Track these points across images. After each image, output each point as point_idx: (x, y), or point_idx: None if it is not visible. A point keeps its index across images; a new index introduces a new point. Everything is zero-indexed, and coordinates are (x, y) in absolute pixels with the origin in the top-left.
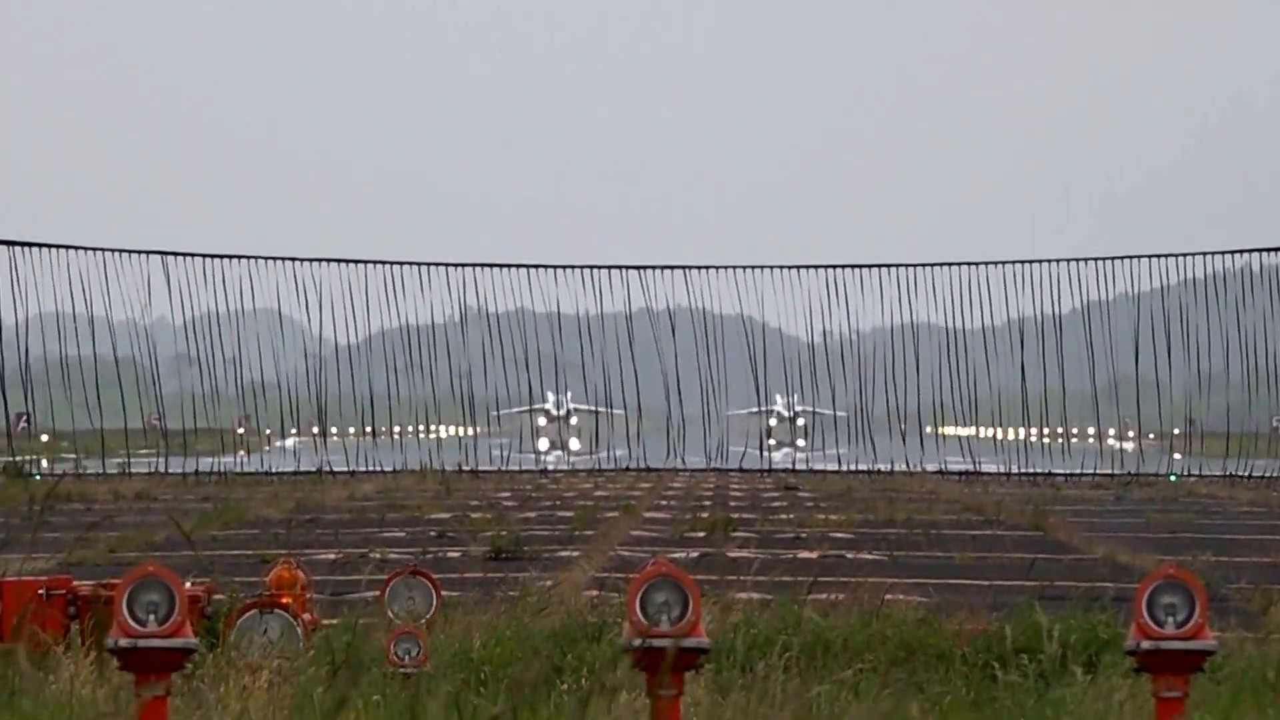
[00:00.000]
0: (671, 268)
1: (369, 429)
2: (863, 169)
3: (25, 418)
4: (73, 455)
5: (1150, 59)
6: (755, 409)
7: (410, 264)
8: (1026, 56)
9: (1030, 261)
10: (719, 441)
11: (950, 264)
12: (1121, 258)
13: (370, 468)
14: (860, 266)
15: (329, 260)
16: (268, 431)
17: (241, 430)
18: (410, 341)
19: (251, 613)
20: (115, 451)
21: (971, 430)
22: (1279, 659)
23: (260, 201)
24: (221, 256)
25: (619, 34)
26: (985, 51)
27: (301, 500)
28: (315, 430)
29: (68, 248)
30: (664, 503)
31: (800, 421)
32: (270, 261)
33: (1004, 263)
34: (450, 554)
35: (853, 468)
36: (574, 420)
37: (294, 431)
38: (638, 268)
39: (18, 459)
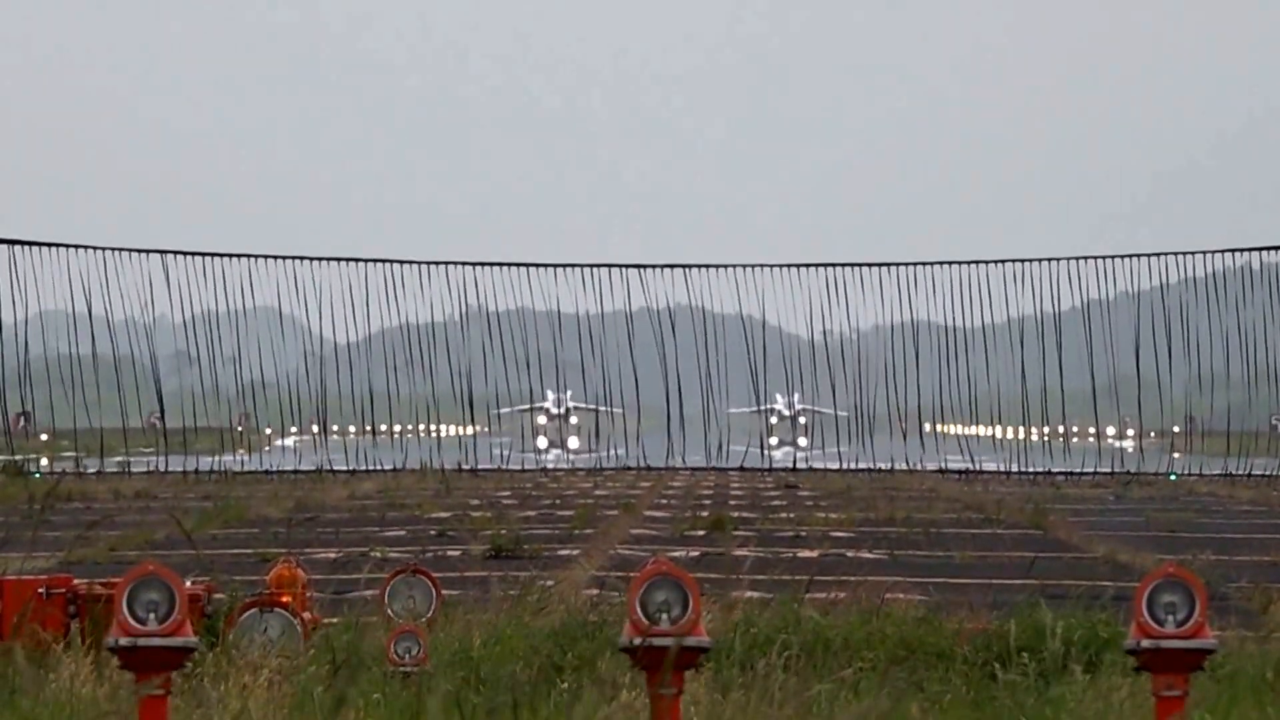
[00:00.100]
0: (671, 266)
1: (369, 428)
2: (863, 168)
3: (25, 416)
4: (73, 454)
5: (1149, 59)
6: (755, 408)
7: (410, 263)
8: (1026, 56)
9: (1030, 260)
10: (719, 440)
11: (950, 263)
12: (1121, 256)
13: (370, 466)
14: (860, 265)
15: (329, 259)
16: (268, 430)
17: (241, 429)
18: (410, 340)
19: (251, 611)
20: (115, 450)
21: (971, 429)
22: (1279, 658)
23: (260, 200)
24: (221, 255)
25: (619, 31)
26: (985, 51)
27: (301, 499)
28: (315, 429)
29: (68, 246)
30: (664, 501)
31: (801, 420)
32: (270, 260)
33: (1004, 261)
34: (450, 553)
35: (853, 466)
36: (574, 419)
37: (294, 430)
38: (638, 266)
39: (18, 458)
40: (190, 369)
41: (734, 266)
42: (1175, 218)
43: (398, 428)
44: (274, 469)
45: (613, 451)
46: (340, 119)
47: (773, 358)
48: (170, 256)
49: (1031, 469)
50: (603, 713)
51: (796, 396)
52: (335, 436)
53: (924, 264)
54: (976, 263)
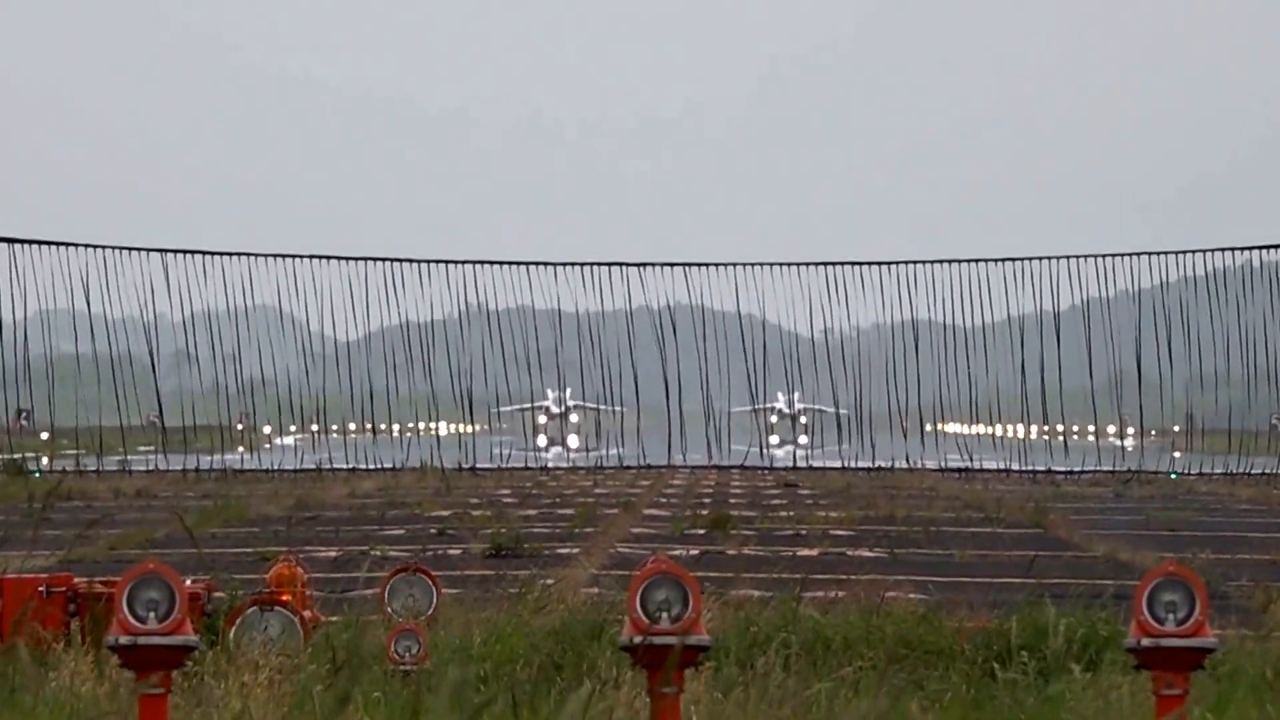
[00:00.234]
0: (672, 265)
1: (369, 426)
2: (863, 167)
3: (25, 415)
4: (73, 452)
5: (1150, 59)
6: (756, 406)
7: (410, 261)
8: (1026, 55)
9: (1030, 258)
10: (719, 439)
11: (950, 261)
12: (1121, 254)
13: (370, 465)
14: (860, 264)
15: (329, 257)
16: (267, 429)
17: (241, 427)
18: (410, 339)
19: (251, 610)
20: (115, 449)
21: (971, 427)
22: (1279, 657)
23: (260, 199)
24: (221, 254)
25: (618, 30)
26: (984, 51)
27: (301, 498)
28: (315, 428)
29: (67, 245)
30: (664, 500)
31: (802, 419)
32: (270, 259)
33: (1004, 260)
34: (450, 551)
35: (853, 465)
36: (574, 418)
37: (294, 429)
38: (638, 265)
39: (18, 456)
40: (190, 368)
41: (734, 265)
42: (1176, 217)
43: (398, 426)
44: (274, 468)
45: (613, 450)
46: (339, 118)
47: (773, 356)
48: (170, 255)
49: (1031, 467)
50: (602, 710)
51: (797, 395)
52: (335, 435)
53: (924, 262)
54: (976, 261)
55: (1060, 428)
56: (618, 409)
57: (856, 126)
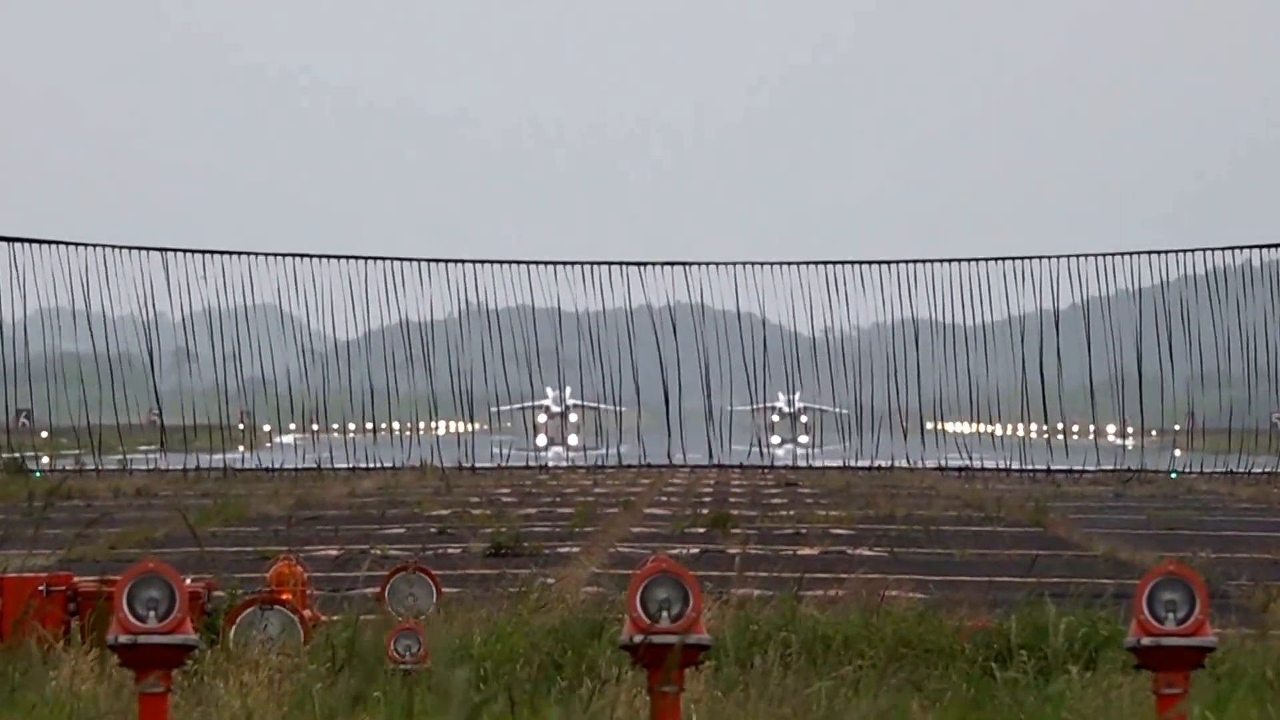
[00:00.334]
0: (671, 264)
1: (369, 425)
2: (863, 166)
3: (25, 414)
4: (73, 451)
5: (1151, 60)
6: (757, 405)
7: (410, 260)
8: (1026, 56)
9: (1030, 258)
10: (719, 438)
11: (950, 260)
12: (1121, 254)
13: (370, 464)
14: (860, 263)
15: (329, 256)
16: (267, 428)
17: (242, 426)
18: (410, 338)
19: (251, 609)
20: (115, 448)
21: (971, 426)
22: (1279, 656)
23: (260, 200)
24: (221, 253)
25: (619, 31)
26: (985, 50)
27: (302, 497)
28: (315, 427)
29: (67, 244)
30: (664, 499)
31: (803, 418)
32: (270, 258)
33: (1003, 259)
34: (450, 550)
35: (853, 464)
36: (574, 417)
37: (293, 428)
38: (638, 264)
39: (18, 455)
40: (190, 366)
41: (734, 264)
42: (1177, 218)
43: (398, 425)
44: (274, 467)
45: (612, 449)
46: (339, 116)
47: (773, 355)
48: (170, 254)
49: (1031, 467)
50: (602, 709)
51: (797, 394)
52: (335, 434)
53: (924, 261)
54: (976, 260)
55: (1060, 427)
56: (618, 408)
57: (856, 126)
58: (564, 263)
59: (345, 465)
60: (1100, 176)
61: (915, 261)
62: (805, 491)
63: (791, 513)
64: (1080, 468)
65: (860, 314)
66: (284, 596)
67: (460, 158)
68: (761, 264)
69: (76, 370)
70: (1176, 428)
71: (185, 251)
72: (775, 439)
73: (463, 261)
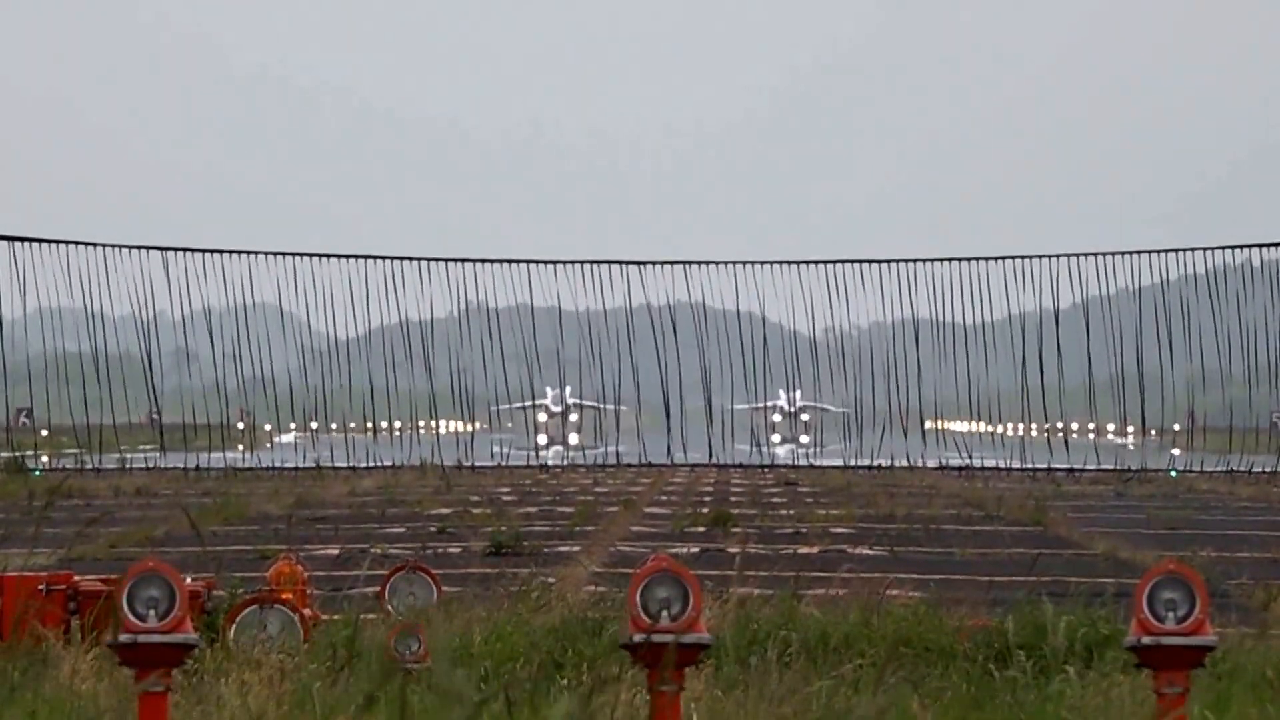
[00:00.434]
0: (671, 263)
1: (369, 424)
2: (864, 166)
3: (26, 413)
4: (73, 450)
5: (1152, 59)
6: (757, 404)
7: (410, 259)
8: (1027, 56)
9: (1030, 257)
10: (720, 437)
11: (950, 259)
12: (1121, 253)
13: (371, 463)
14: (860, 261)
15: (329, 255)
16: (267, 427)
17: (242, 425)
18: (410, 337)
19: (251, 608)
20: (115, 447)
21: (971, 425)
22: (1279, 655)
23: (259, 197)
24: (221, 251)
25: (619, 31)
26: (986, 51)
27: (302, 496)
28: (315, 426)
29: (68, 243)
30: (664, 498)
31: (804, 417)
32: (270, 256)
33: (1004, 258)
34: (450, 549)
35: (853, 463)
36: (574, 416)
37: (293, 427)
38: (638, 263)
39: (18, 454)
40: (190, 366)
41: (734, 263)
42: (1178, 218)
43: (398, 424)
44: (274, 466)
45: (613, 448)
46: (338, 115)
47: (774, 354)
48: (170, 253)
49: (1031, 465)
50: (602, 707)
51: (797, 393)
52: (335, 433)
53: (924, 261)
54: (976, 259)
55: (1060, 426)
56: (618, 407)
57: (856, 127)
58: (564, 262)
59: (345, 464)
60: (1101, 176)
61: (915, 261)
62: (805, 490)
63: (791, 512)
64: (1080, 467)
65: (860, 313)
66: (284, 596)
67: (460, 158)
68: (761, 263)
69: (76, 370)
70: (1176, 427)
71: (185, 251)
72: (776, 438)
73: (463, 261)
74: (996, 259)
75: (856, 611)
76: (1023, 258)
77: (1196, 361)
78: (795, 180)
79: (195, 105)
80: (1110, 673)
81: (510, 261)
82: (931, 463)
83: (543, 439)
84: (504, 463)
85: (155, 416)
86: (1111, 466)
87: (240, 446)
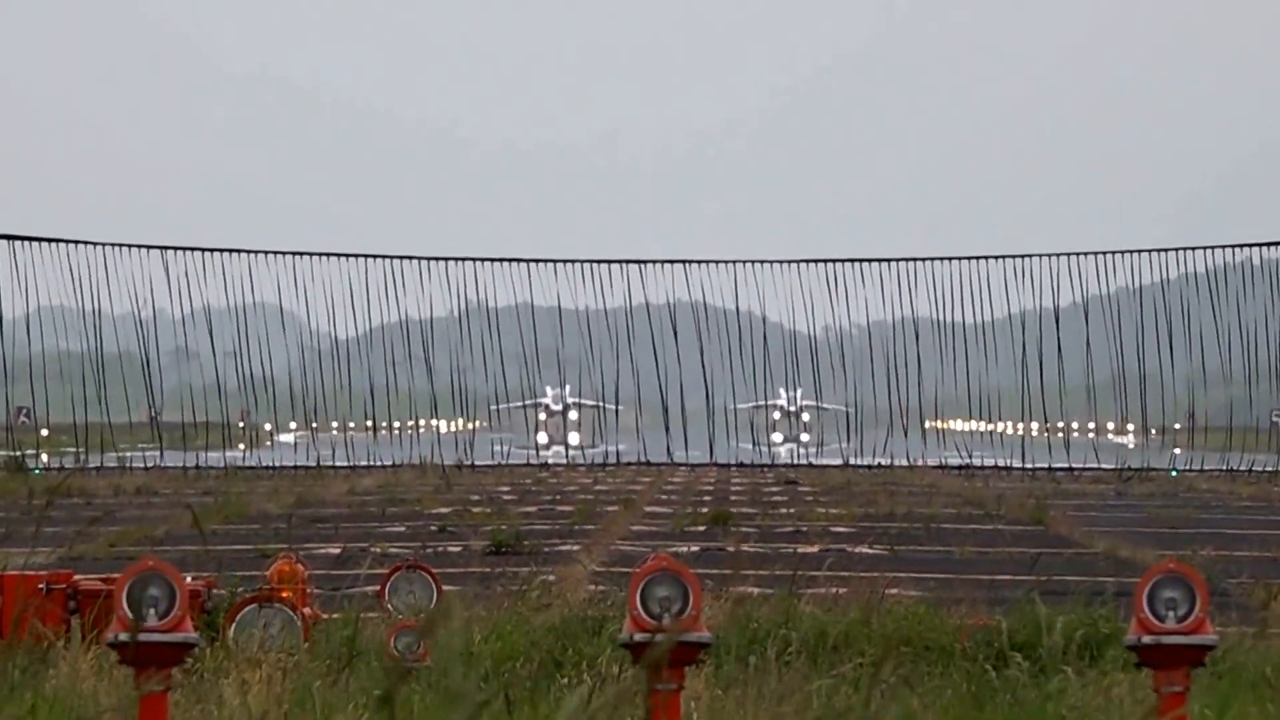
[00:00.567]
0: (672, 262)
1: (369, 423)
2: (864, 166)
3: (25, 412)
4: (72, 449)
5: (1154, 59)
6: (758, 403)
7: (410, 258)
8: (1028, 56)
9: (1030, 255)
10: (720, 436)
11: (950, 258)
12: (1121, 252)
13: (371, 462)
14: (860, 260)
15: (329, 254)
16: (267, 426)
17: (242, 424)
18: (410, 336)
19: (251, 607)
20: (115, 446)
21: (972, 424)
22: None
23: (259, 196)
24: (221, 250)
25: (618, 26)
26: (986, 51)
27: (302, 495)
28: (315, 425)
29: (68, 241)
30: (664, 497)
31: (805, 416)
32: (270, 255)
33: (1004, 257)
34: (451, 548)
35: (853, 462)
36: (574, 415)
37: (294, 426)
38: (638, 262)
39: (17, 453)
40: (190, 365)
41: (734, 262)
42: (1179, 218)
43: (398, 423)
44: (274, 465)
45: (613, 447)
46: (338, 114)
47: (774, 353)
48: (170, 252)
49: (1032, 464)
50: (602, 707)
51: (798, 392)
52: (335, 432)
53: (924, 259)
54: (976, 258)
55: (1060, 425)
56: (617, 406)
57: (857, 126)
58: (564, 261)
59: (345, 463)
60: (1101, 176)
61: (915, 260)
62: (805, 489)
63: (791, 511)
64: (1080, 466)
65: (860, 312)
66: (284, 595)
67: (461, 157)
68: (761, 262)
69: (76, 368)
70: (1177, 426)
71: (185, 250)
72: (776, 436)
73: (463, 260)
74: (996, 258)
75: (856, 610)
76: (1023, 257)
77: (1197, 360)
78: (795, 180)
79: (195, 105)
80: (1110, 671)
81: (510, 261)
82: (931, 462)
83: (543, 438)
84: (504, 462)
85: (155, 415)
86: (1112, 465)
87: (240, 445)
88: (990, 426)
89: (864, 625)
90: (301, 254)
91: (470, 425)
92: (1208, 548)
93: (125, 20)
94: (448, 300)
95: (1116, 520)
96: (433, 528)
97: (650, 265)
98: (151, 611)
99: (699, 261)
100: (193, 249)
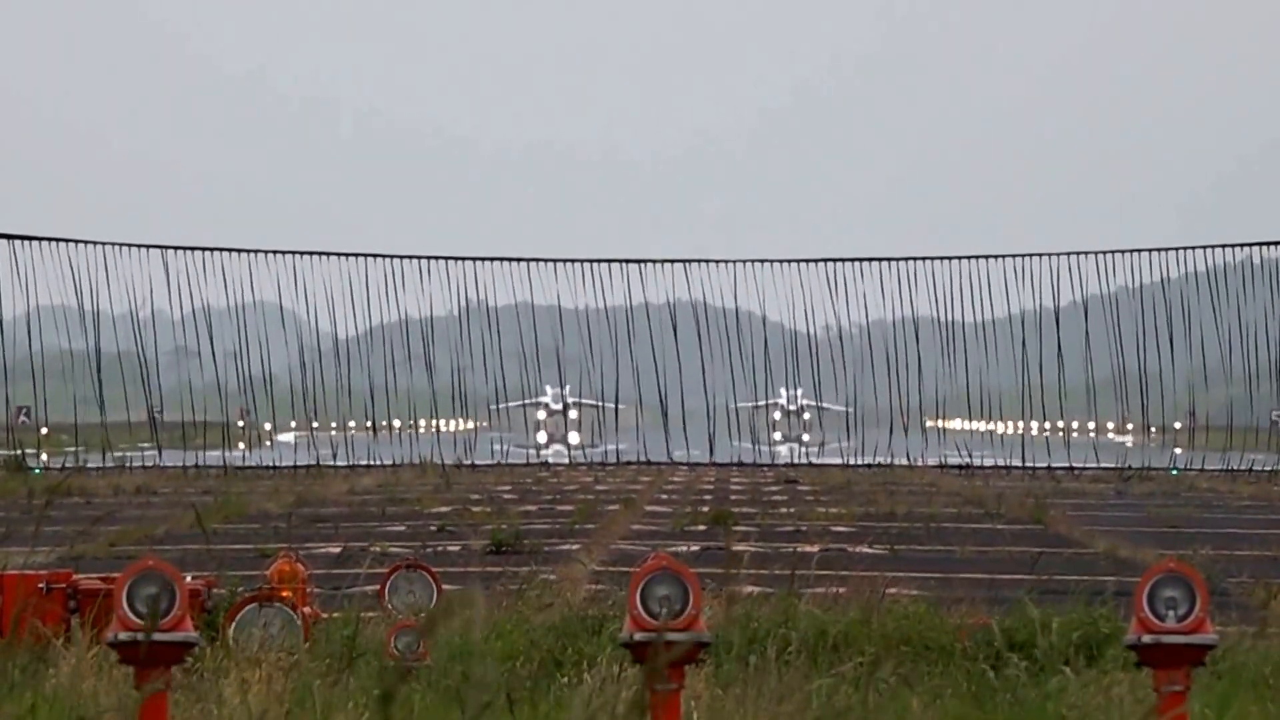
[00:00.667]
0: (672, 261)
1: (369, 423)
2: (864, 166)
3: (25, 411)
4: (72, 449)
5: (1155, 59)
6: (758, 403)
7: (410, 258)
8: (1028, 56)
9: (1030, 255)
10: (720, 435)
11: (950, 258)
12: (1121, 251)
13: (370, 461)
14: (860, 260)
15: (328, 254)
16: (267, 425)
17: (242, 424)
18: (410, 335)
19: (251, 606)
20: (115, 445)
21: (971, 424)
22: None
23: (260, 196)
24: (221, 250)
25: (619, 27)
26: (987, 51)
27: (302, 494)
28: (315, 424)
29: (68, 241)
30: (664, 497)
31: (805, 416)
32: (269, 255)
33: (1004, 256)
34: (450, 548)
35: (853, 461)
36: (574, 414)
37: (293, 425)
38: (638, 261)
39: (17, 452)
40: (189, 364)
41: (735, 262)
42: (1179, 219)
43: (398, 423)
44: (274, 464)
45: (613, 447)
46: (337, 114)
47: (774, 353)
48: (170, 251)
49: (1032, 464)
50: (602, 706)
51: (798, 391)
52: (335, 431)
53: (924, 259)
54: (976, 258)
55: (1061, 424)
56: (617, 405)
57: (857, 126)
58: (564, 260)
59: (345, 463)
60: (1102, 176)
61: (916, 259)
62: (805, 489)
63: (792, 510)
64: (1080, 465)
65: (861, 312)
66: (284, 594)
67: (461, 157)
68: (762, 261)
69: (77, 368)
70: (1177, 425)
71: (185, 249)
72: (777, 436)
73: (463, 259)
74: (997, 257)
75: (856, 610)
76: (1023, 256)
77: (1197, 360)
78: (795, 180)
79: (195, 105)
80: (1111, 671)
81: (510, 260)
82: (932, 461)
83: (543, 437)
84: (504, 461)
85: (155, 415)
86: (1112, 465)
87: (240, 445)
88: (990, 426)
89: (864, 625)
90: (301, 254)
91: (470, 424)
92: (1208, 547)
93: (124, 20)
94: (448, 300)
95: (1116, 519)
96: (432, 527)
97: (650, 265)
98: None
99: (699, 261)
100: (193, 248)
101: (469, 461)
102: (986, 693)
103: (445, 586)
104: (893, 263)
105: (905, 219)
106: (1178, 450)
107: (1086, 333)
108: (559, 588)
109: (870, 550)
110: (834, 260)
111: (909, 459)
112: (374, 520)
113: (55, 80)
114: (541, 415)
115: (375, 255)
